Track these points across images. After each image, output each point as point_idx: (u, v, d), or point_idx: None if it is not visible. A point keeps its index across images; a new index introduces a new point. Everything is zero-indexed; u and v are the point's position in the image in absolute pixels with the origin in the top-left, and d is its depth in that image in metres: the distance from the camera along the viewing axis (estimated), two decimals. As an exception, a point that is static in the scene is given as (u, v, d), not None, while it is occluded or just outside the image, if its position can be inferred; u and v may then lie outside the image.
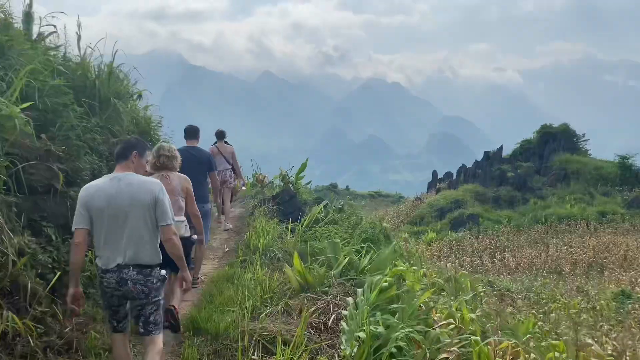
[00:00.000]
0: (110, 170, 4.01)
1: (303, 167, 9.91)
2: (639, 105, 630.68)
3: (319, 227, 7.39)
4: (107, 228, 3.49)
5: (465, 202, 25.79)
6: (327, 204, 8.38)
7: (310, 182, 10.92)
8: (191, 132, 6.77)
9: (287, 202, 8.44)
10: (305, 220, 7.51)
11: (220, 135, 9.11)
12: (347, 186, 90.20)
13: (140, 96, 7.37)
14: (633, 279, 14.99)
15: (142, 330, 3.65)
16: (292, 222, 7.38)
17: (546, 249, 19.63)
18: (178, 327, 4.60)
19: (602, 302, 7.67)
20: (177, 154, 5.01)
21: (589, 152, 36.25)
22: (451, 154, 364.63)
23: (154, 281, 3.61)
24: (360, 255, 6.21)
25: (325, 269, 5.54)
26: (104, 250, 3.51)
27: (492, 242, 20.70)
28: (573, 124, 36.60)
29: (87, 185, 3.61)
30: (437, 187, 32.67)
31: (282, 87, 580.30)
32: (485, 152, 34.84)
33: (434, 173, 37.87)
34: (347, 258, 5.85)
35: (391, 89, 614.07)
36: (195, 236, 5.02)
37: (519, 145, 36.49)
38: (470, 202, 25.84)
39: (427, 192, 35.88)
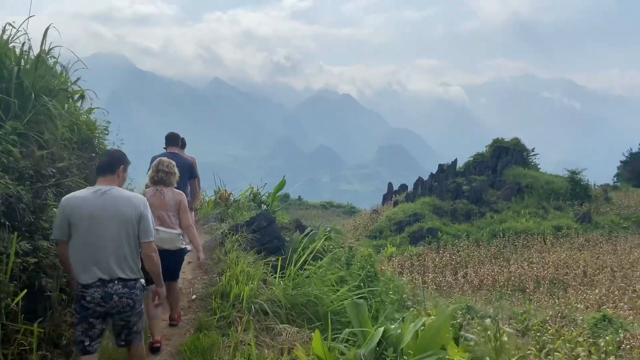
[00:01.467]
0: (36, 197, 3.79)
1: (281, 185, 8.73)
2: (573, 122, 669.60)
3: (308, 263, 5.79)
4: (89, 241, 3.41)
5: (423, 215, 25.35)
6: (311, 231, 7.25)
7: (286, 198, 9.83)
8: (172, 139, 6.61)
9: (264, 229, 7.05)
10: (298, 258, 5.89)
11: (182, 144, 8.07)
12: (299, 196, 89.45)
13: (82, 97, 5.87)
14: (598, 298, 14.81)
15: (124, 343, 3.63)
16: (271, 254, 6.18)
17: (507, 264, 19.36)
18: (158, 351, 4.59)
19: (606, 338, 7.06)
20: (176, 170, 5.05)
21: (539, 166, 37.10)
22: (399, 165, 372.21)
23: (137, 292, 3.59)
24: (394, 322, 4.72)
25: (354, 350, 3.94)
26: (86, 264, 3.42)
27: (453, 257, 20.24)
28: (512, 137, 37.38)
29: (69, 195, 3.50)
30: (394, 199, 32.24)
31: (232, 95, 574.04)
32: (440, 165, 34.81)
33: (389, 185, 37.55)
34: (381, 329, 4.18)
35: (342, 100, 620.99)
36: (189, 246, 5.08)
37: (472, 158, 36.80)
38: (429, 215, 25.43)
39: (383, 204, 35.44)
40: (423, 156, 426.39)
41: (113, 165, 3.63)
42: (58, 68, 5.49)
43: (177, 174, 5.06)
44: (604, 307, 14.05)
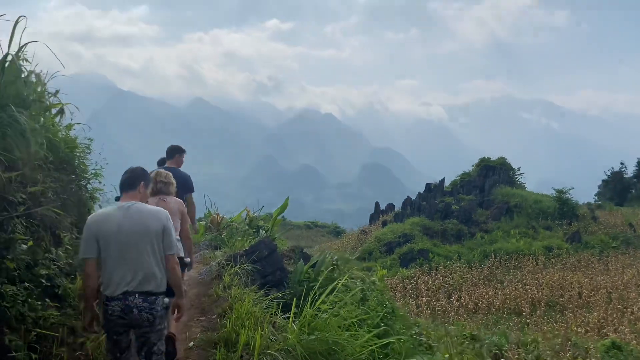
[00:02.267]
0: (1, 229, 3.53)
1: (283, 207, 8.06)
2: (552, 141, 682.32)
3: (320, 299, 4.77)
4: (115, 255, 3.51)
5: (413, 236, 24.91)
6: (317, 262, 6.61)
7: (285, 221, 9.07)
8: (169, 153, 6.60)
9: (265, 259, 6.34)
10: (315, 298, 4.94)
11: (162, 162, 8.17)
12: (283, 216, 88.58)
13: (61, 111, 5.19)
14: (597, 321, 14.41)
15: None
16: (273, 287, 5.57)
17: (501, 287, 18.93)
18: (174, 355, 4.48)
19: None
20: (173, 180, 5.15)
21: (524, 185, 37.13)
22: (382, 184, 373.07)
23: (159, 309, 3.61)
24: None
25: None
26: (111, 278, 3.51)
27: (446, 279, 19.76)
28: (493, 156, 37.49)
29: (95, 213, 3.65)
30: (382, 219, 31.76)
31: (214, 114, 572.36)
32: (427, 185, 34.58)
33: (376, 205, 37.12)
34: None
35: (324, 119, 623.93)
36: (188, 259, 5.01)
37: (459, 177, 36.67)
38: (419, 236, 25.00)
39: (370, 224, 34.96)
40: (406, 175, 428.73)
41: (134, 181, 3.77)
42: (33, 79, 4.79)
43: (175, 184, 5.14)
44: (604, 330, 13.66)
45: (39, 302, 3.56)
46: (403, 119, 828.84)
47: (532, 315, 15.98)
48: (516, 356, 7.69)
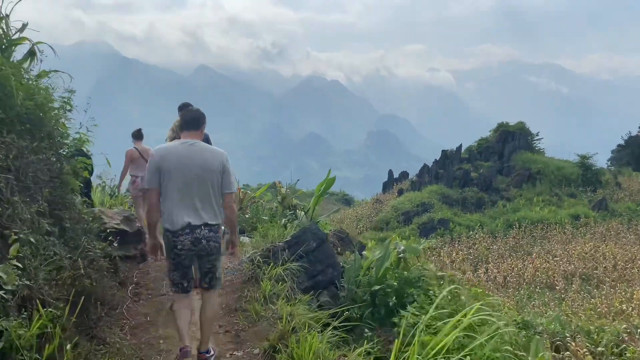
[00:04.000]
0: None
1: (329, 183, 6.62)
2: (561, 106, 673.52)
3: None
4: (178, 190, 3.63)
5: (431, 205, 23.77)
6: (382, 256, 5.34)
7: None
8: (187, 122, 5.76)
9: (313, 253, 5.05)
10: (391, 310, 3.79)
11: (139, 134, 8.11)
12: (289, 184, 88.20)
13: (32, 54, 4.01)
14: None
15: (207, 286, 3.84)
16: (324, 289, 4.32)
17: (529, 258, 17.86)
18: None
19: None
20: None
21: (543, 151, 35.68)
22: (388, 151, 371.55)
23: (222, 236, 3.95)
24: None
25: None
26: (176, 211, 3.62)
27: (471, 251, 18.69)
28: (500, 122, 36.03)
29: (160, 146, 3.82)
30: (397, 187, 30.62)
31: (219, 82, 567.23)
32: (443, 151, 33.20)
33: (390, 172, 35.93)
34: None
35: (330, 86, 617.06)
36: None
37: (476, 143, 35.29)
38: (437, 205, 23.86)
39: (383, 192, 33.87)
40: (412, 142, 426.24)
41: (199, 121, 3.89)
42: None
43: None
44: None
45: None
46: (410, 85, 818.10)
47: (566, 289, 14.93)
48: (584, 349, 6.65)
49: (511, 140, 32.49)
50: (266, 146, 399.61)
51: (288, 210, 6.23)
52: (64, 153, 4.15)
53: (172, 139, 5.11)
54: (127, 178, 8.65)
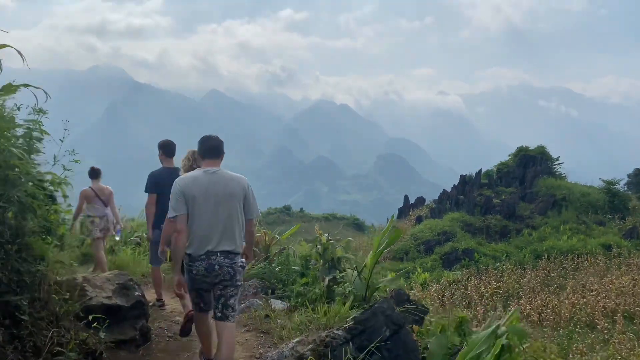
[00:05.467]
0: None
1: (395, 236, 5.38)
2: (572, 130, 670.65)
3: None
4: (201, 217, 3.71)
5: (454, 233, 22.64)
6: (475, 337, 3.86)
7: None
8: (171, 149, 6.15)
9: (386, 347, 3.68)
10: None
11: (96, 173, 8.00)
12: (300, 208, 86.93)
13: None
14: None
15: (220, 315, 3.83)
16: None
17: (563, 293, 16.61)
18: (188, 333, 4.70)
19: None
20: None
21: (564, 175, 34.48)
22: (398, 174, 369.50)
23: (239, 264, 3.86)
24: None
25: None
26: (197, 238, 3.73)
27: (500, 284, 17.49)
28: (512, 146, 35.17)
29: (184, 176, 3.93)
30: (415, 214, 29.52)
31: (230, 106, 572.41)
32: (462, 176, 32.17)
33: (405, 198, 34.88)
34: None
35: (340, 110, 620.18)
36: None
37: (495, 168, 34.25)
38: (460, 233, 22.71)
39: (400, 218, 32.78)
40: (422, 165, 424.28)
41: (220, 149, 4.09)
42: None
43: None
44: None
45: None
46: (419, 109, 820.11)
47: (609, 329, 13.67)
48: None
49: (532, 165, 31.42)
50: (275, 169, 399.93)
51: (330, 264, 5.06)
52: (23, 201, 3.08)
53: (188, 167, 5.04)
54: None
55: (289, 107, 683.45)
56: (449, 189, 32.96)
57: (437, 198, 33.20)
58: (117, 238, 8.91)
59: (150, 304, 6.29)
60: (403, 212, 32.94)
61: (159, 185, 5.98)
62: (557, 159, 34.90)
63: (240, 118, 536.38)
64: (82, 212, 8.05)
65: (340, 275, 4.83)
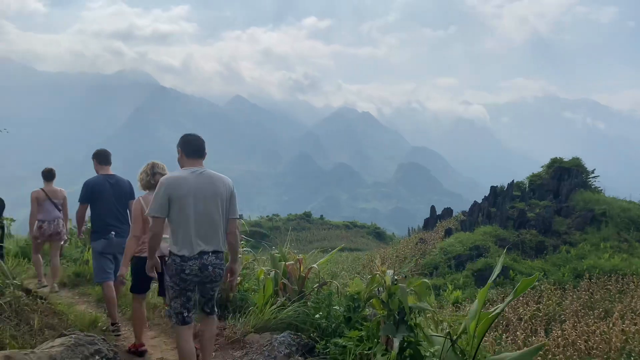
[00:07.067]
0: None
1: (527, 284, 3.96)
2: (598, 142, 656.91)
3: None
4: (191, 218, 3.68)
5: (487, 248, 21.31)
6: None
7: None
8: (106, 157, 6.05)
9: None
10: None
11: (50, 174, 7.58)
12: (321, 215, 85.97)
13: None
14: None
15: (208, 311, 3.99)
16: None
17: (615, 320, 15.20)
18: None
19: None
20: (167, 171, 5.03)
21: (601, 189, 32.78)
22: (419, 184, 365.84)
23: (224, 263, 3.96)
24: None
25: None
26: (189, 238, 3.70)
27: (539, 306, 16.14)
28: (535, 157, 33.56)
29: (169, 175, 3.84)
30: (443, 225, 28.20)
31: (252, 112, 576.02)
32: (492, 187, 30.75)
33: (432, 209, 33.54)
34: None
35: (361, 118, 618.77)
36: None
37: (527, 180, 32.76)
38: (493, 248, 21.38)
39: (425, 229, 31.49)
40: (444, 175, 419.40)
41: (204, 149, 4.00)
42: None
43: None
44: None
45: None
46: (442, 118, 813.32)
47: (668, 362, 12.28)
48: None
49: (567, 177, 29.87)
50: (295, 175, 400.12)
51: (398, 318, 3.74)
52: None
53: (146, 182, 4.93)
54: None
55: (311, 114, 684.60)
56: (471, 200, 31.60)
57: (464, 210, 31.86)
58: (66, 245, 8.40)
59: (104, 328, 5.67)
60: (429, 223, 31.63)
61: (95, 193, 5.82)
62: (592, 172, 33.29)
63: (262, 124, 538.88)
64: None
65: (411, 335, 3.58)
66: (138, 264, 4.90)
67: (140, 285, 5.04)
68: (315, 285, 4.89)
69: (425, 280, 4.05)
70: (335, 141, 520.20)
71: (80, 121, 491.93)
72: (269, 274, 5.54)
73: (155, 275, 4.00)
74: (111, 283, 5.80)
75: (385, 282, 3.80)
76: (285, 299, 4.94)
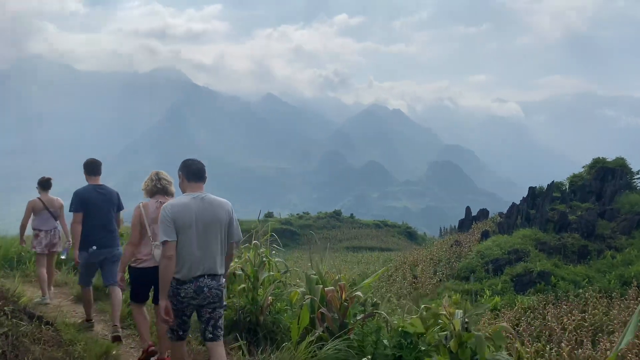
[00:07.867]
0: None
1: None
2: (637, 140, 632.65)
3: None
4: (191, 242, 3.81)
5: (526, 252, 20.45)
6: None
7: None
8: (96, 167, 6.10)
9: None
10: None
11: (47, 184, 7.52)
12: (351, 214, 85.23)
13: None
14: None
15: (211, 336, 3.94)
16: None
17: (665, 331, 14.26)
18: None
19: None
20: (171, 179, 5.08)
21: (646, 191, 31.21)
22: (451, 182, 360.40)
23: (223, 285, 3.98)
24: None
25: None
26: (187, 263, 3.81)
27: (585, 315, 15.31)
28: (572, 156, 32.01)
29: (173, 202, 3.92)
30: (479, 227, 27.35)
31: (283, 109, 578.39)
32: (531, 188, 29.68)
33: (467, 210, 32.64)
34: None
35: (392, 115, 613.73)
36: None
37: (567, 181, 31.52)
38: (533, 252, 20.50)
39: (461, 231, 30.65)
40: (477, 174, 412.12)
41: (203, 173, 4.07)
42: None
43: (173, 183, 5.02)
44: None
45: None
46: (475, 116, 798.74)
47: None
48: None
49: (611, 178, 28.56)
50: (326, 173, 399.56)
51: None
52: None
53: (151, 187, 4.96)
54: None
55: (341, 111, 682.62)
56: (506, 199, 30.71)
57: (499, 209, 30.88)
58: (63, 257, 8.04)
59: (79, 321, 6.04)
60: (464, 225, 30.79)
61: (85, 203, 5.83)
62: (638, 173, 31.77)
63: (293, 122, 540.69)
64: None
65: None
66: (136, 274, 5.00)
67: (139, 295, 5.13)
68: (359, 317, 4.35)
69: (504, 324, 3.56)
70: (365, 138, 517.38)
71: (117, 118, 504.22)
72: (304, 299, 4.96)
73: (171, 321, 3.84)
74: (90, 289, 6.09)
75: (454, 327, 3.25)
76: (323, 331, 4.42)
